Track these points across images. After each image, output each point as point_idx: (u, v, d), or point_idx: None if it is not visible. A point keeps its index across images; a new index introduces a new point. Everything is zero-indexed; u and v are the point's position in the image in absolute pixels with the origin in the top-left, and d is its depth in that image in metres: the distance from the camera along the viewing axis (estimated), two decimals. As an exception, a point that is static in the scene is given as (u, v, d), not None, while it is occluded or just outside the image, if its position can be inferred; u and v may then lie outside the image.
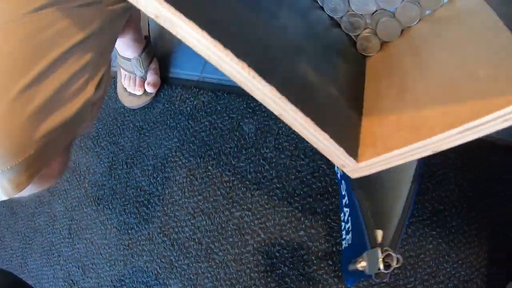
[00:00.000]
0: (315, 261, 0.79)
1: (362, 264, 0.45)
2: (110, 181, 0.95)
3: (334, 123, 0.35)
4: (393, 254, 0.42)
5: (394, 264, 0.41)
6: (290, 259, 0.80)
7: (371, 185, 0.61)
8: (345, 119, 0.38)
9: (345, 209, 0.68)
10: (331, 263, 0.77)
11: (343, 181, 0.65)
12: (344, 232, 0.70)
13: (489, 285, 0.72)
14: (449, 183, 0.79)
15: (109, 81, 0.58)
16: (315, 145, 0.34)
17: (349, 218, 0.65)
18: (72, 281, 0.95)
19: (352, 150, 0.35)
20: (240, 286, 0.81)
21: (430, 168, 0.81)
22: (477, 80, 0.28)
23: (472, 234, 0.75)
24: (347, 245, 0.68)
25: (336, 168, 0.59)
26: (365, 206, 0.52)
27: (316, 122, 0.32)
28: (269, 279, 0.79)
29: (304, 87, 0.36)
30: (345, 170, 0.36)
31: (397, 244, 0.47)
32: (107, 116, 1.01)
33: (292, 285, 0.78)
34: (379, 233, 0.52)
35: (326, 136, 0.32)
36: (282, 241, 0.81)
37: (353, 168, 0.36)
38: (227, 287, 0.82)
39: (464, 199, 0.78)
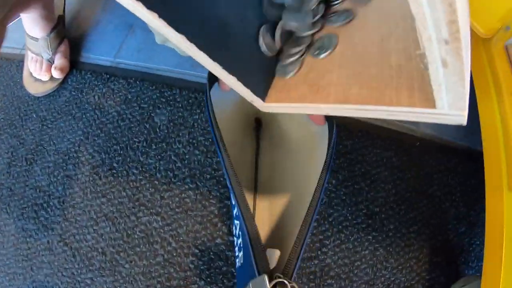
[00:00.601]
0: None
1: None
2: (8, 180, 0.59)
3: (245, 66, 0.25)
4: (286, 282, 0.23)
5: None
6: (207, 272, 0.48)
7: (272, 192, 0.39)
8: (259, 63, 0.26)
9: (235, 222, 0.40)
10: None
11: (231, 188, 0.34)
12: (236, 249, 0.40)
13: None
14: (385, 182, 0.51)
15: None
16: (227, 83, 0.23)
17: (240, 232, 0.36)
18: None
19: (263, 91, 0.26)
20: None
21: (364, 166, 0.53)
22: (388, 65, 0.19)
23: (411, 237, 0.50)
24: (239, 264, 0.38)
25: (225, 174, 0.28)
26: (251, 222, 0.27)
27: (224, 66, 0.22)
28: (182, 294, 0.48)
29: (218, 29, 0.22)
30: (254, 105, 0.26)
31: (294, 268, 0.26)
32: (10, 105, 0.64)
33: (208, 301, 0.47)
34: (276, 254, 0.31)
35: (234, 78, 0.24)
36: (197, 251, 0.49)
37: (260, 105, 0.27)
38: None
39: (401, 200, 0.51)
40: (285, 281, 0.23)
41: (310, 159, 0.36)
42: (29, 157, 0.58)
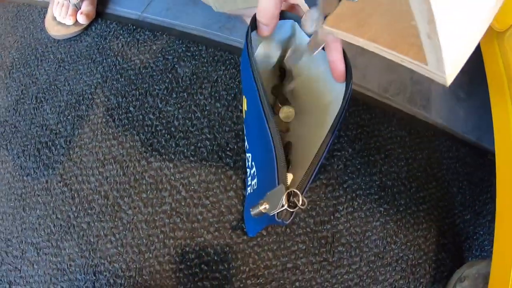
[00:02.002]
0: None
1: (264, 206, 0.29)
2: (13, 117, 0.58)
3: None
4: (299, 193, 0.27)
5: (299, 204, 0.27)
6: (216, 225, 0.48)
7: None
8: None
9: (247, 155, 0.43)
10: (264, 233, 0.47)
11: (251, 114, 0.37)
12: (249, 179, 0.42)
13: (437, 271, 0.49)
14: (398, 159, 0.53)
15: None
16: None
17: (253, 163, 0.41)
18: None
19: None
20: (150, 255, 0.48)
21: (379, 140, 0.55)
22: (409, 24, 0.25)
23: (420, 216, 0.51)
24: (251, 191, 0.41)
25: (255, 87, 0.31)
26: (278, 141, 0.31)
27: None
28: (187, 249, 0.47)
29: None
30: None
31: (304, 187, 0.30)
32: (27, 46, 0.64)
33: (215, 257, 0.46)
34: (289, 176, 0.35)
35: None
36: (207, 202, 0.49)
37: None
38: (134, 255, 0.48)
39: (413, 178, 0.53)
40: (298, 192, 0.27)
41: (326, 110, 0.38)
42: (39, 96, 0.58)
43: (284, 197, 0.27)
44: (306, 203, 0.27)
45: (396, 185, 0.52)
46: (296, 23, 0.36)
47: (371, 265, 0.47)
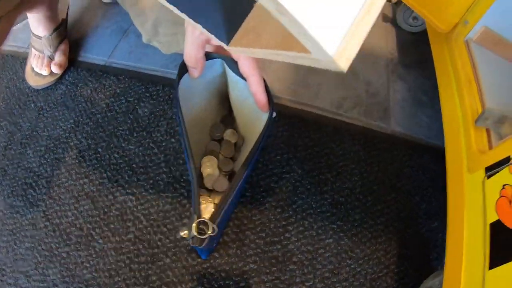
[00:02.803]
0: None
1: (184, 232, 0.34)
2: (3, 162, 0.68)
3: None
4: (208, 222, 0.33)
5: (208, 232, 0.33)
6: (173, 250, 0.55)
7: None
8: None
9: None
10: (217, 255, 0.54)
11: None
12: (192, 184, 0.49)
13: (400, 283, 0.51)
14: (351, 174, 0.57)
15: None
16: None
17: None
18: None
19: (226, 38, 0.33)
20: (119, 278, 0.56)
21: (330, 158, 0.59)
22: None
23: (378, 229, 0.54)
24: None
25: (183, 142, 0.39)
26: (194, 179, 0.37)
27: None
28: (149, 272, 0.55)
29: None
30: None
31: (217, 216, 0.36)
32: (12, 96, 0.74)
33: (174, 279, 0.53)
34: (210, 206, 0.41)
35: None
36: (165, 229, 0.56)
37: (226, 48, 0.34)
38: (106, 278, 0.56)
39: (368, 192, 0.56)
40: (207, 221, 0.32)
41: (254, 139, 0.44)
42: (24, 142, 0.68)
43: (193, 225, 0.32)
44: (216, 231, 0.32)
45: (349, 201, 0.55)
46: (223, 60, 0.41)
47: (325, 281, 0.50)
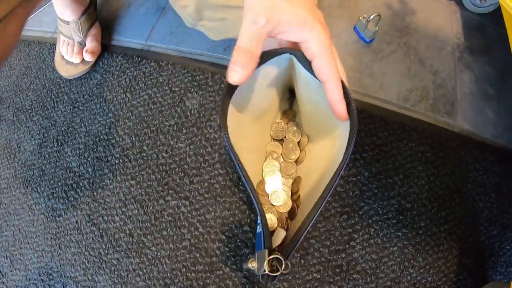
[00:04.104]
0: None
1: (253, 264, 0.32)
2: (39, 161, 0.65)
3: None
4: (281, 258, 0.30)
5: (281, 269, 0.30)
6: (233, 259, 0.52)
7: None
8: None
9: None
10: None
11: None
12: (258, 217, 0.44)
13: None
14: (418, 178, 0.55)
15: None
16: None
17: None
18: (0, 273, 0.65)
19: None
20: (175, 287, 0.53)
21: (398, 160, 0.55)
22: None
23: (441, 237, 0.53)
24: (258, 231, 0.43)
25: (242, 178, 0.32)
26: (262, 212, 0.34)
27: None
28: (208, 281, 0.52)
29: None
30: None
31: (290, 251, 0.32)
32: (42, 87, 0.70)
33: (233, 289, 0.50)
34: (282, 234, 0.38)
35: None
36: (224, 237, 0.53)
37: None
38: (160, 287, 0.54)
39: (434, 198, 0.55)
40: (280, 257, 0.30)
41: (333, 145, 0.39)
42: (60, 139, 0.64)
43: (266, 263, 0.30)
44: (290, 267, 0.31)
45: (415, 207, 0.54)
46: (293, 56, 0.36)
47: None
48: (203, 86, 0.61)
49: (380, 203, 0.55)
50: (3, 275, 0.67)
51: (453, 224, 0.54)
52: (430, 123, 0.62)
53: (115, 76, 0.66)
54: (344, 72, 0.34)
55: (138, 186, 0.59)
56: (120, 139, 0.62)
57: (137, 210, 0.58)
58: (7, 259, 0.67)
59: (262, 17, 0.28)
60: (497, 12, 0.73)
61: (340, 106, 0.33)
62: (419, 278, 0.52)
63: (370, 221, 0.55)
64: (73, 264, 0.62)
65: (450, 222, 0.54)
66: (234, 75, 0.29)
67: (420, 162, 0.58)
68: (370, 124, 0.61)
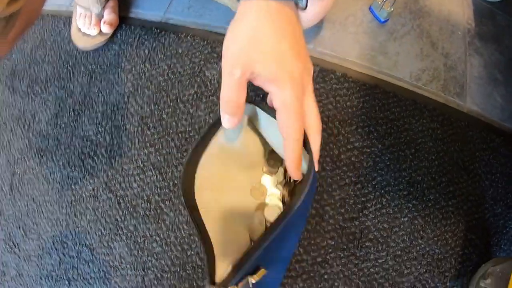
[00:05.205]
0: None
1: None
2: (55, 131, 0.67)
3: None
4: None
5: None
6: (251, 223, 0.53)
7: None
8: None
9: None
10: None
11: None
12: None
13: (463, 266, 0.54)
14: (429, 153, 0.59)
15: None
16: None
17: None
18: (13, 243, 0.67)
19: None
20: (192, 252, 0.55)
21: (409, 134, 0.58)
22: None
23: (449, 211, 0.56)
24: None
25: None
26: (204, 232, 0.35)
27: None
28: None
29: None
30: None
31: (230, 279, 0.32)
32: (58, 59, 0.72)
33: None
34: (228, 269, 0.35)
35: None
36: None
37: None
38: (178, 252, 0.56)
39: (443, 173, 0.58)
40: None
41: None
42: (76, 108, 0.66)
43: None
44: None
45: (425, 180, 0.57)
46: (257, 107, 0.37)
47: (397, 259, 0.54)
48: (222, 57, 0.63)
49: (392, 174, 0.58)
50: (15, 245, 0.68)
51: (460, 200, 0.58)
52: (441, 102, 0.65)
53: (133, 47, 0.68)
54: (318, 126, 0.34)
55: (157, 153, 0.60)
56: (139, 108, 0.63)
57: (155, 177, 0.60)
58: (19, 229, 0.68)
59: (238, 70, 0.29)
60: (508, 1, 0.77)
61: (293, 165, 0.32)
62: (427, 249, 0.55)
63: (382, 191, 0.57)
64: (88, 232, 0.63)
65: (457, 197, 0.58)
66: (225, 122, 0.32)
67: (431, 138, 0.61)
68: (384, 99, 0.63)
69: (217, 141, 0.38)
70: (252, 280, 0.30)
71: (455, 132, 0.61)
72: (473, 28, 0.76)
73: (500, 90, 0.69)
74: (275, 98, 0.31)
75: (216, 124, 0.36)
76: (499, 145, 0.61)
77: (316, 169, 0.34)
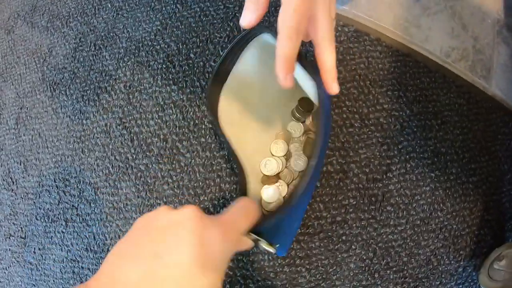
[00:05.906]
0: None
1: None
2: (72, 64, 0.64)
3: None
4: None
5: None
6: (272, 172, 0.50)
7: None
8: None
9: None
10: (318, 184, 0.49)
11: None
12: None
13: (477, 246, 0.53)
14: (454, 127, 0.58)
15: None
16: None
17: None
18: (11, 179, 0.63)
19: None
20: (205, 197, 0.52)
21: (437, 106, 0.60)
22: None
23: (469, 188, 0.55)
24: None
25: None
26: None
27: None
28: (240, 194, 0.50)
29: None
30: None
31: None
32: (84, -4, 0.69)
33: (269, 203, 0.49)
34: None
35: None
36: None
37: None
38: (190, 196, 0.53)
39: (466, 149, 0.57)
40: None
41: None
42: (98, 43, 0.63)
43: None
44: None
45: (449, 153, 0.58)
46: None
47: (415, 229, 0.53)
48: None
49: (418, 141, 0.56)
50: (13, 182, 0.64)
51: (480, 178, 0.56)
52: (468, 81, 0.65)
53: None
54: (331, 38, 0.31)
55: (180, 91, 0.58)
56: (166, 46, 0.61)
57: (175, 115, 0.57)
58: (20, 164, 0.64)
59: None
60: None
61: (281, 60, 0.30)
62: (445, 223, 0.54)
63: (407, 156, 0.56)
64: (94, 169, 0.59)
65: (477, 175, 0.57)
66: (244, 19, 0.31)
67: (457, 113, 0.60)
68: (415, 68, 0.63)
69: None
70: None
71: (480, 112, 0.61)
72: (502, 19, 0.77)
73: (525, 80, 0.70)
74: None
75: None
76: (519, 133, 0.61)
77: (336, 90, 0.32)
